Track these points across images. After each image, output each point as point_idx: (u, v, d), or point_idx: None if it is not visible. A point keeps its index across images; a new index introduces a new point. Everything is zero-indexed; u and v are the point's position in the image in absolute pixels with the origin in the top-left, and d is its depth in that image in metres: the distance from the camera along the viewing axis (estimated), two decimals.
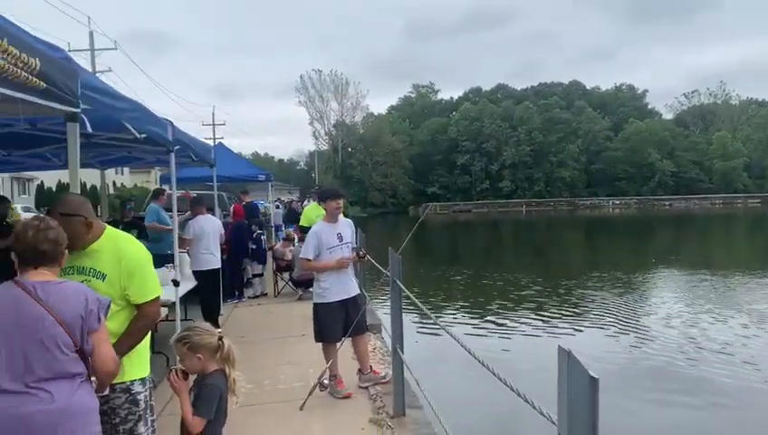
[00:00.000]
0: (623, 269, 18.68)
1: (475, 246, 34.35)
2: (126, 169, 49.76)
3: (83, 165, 4.39)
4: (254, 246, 11.93)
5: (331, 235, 5.74)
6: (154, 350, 6.30)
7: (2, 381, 2.29)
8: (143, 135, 5.33)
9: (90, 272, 2.93)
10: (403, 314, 5.30)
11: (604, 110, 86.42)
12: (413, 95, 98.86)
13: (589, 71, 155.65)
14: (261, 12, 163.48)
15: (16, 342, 2.31)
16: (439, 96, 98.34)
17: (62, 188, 36.43)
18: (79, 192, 3.51)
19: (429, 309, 10.53)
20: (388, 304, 6.17)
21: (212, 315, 8.16)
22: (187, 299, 7.85)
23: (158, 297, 3.08)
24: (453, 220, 60.92)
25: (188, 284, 7.82)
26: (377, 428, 4.90)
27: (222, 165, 11.95)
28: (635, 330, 11.06)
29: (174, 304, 6.59)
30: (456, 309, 13.66)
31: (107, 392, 2.83)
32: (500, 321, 12.19)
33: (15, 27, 2.60)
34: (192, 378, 3.06)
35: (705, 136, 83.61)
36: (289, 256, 11.66)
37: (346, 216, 6.17)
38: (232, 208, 12.84)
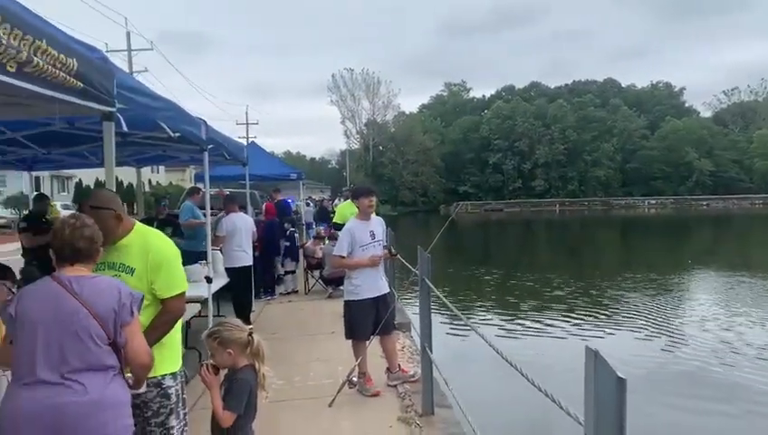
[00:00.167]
0: (658, 270, 18.34)
1: (506, 245, 34.10)
2: (161, 168, 50.73)
3: (120, 163, 4.52)
4: (287, 244, 12.05)
5: (363, 232, 5.77)
6: (187, 345, 6.42)
7: (40, 371, 2.36)
8: (177, 134, 5.42)
9: (119, 267, 3.00)
10: (432, 314, 5.30)
11: (640, 108, 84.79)
12: (445, 93, 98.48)
13: (624, 68, 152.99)
14: (294, 11, 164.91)
15: (53, 334, 2.38)
16: (471, 94, 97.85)
17: (100, 185, 37.18)
18: (114, 190, 3.60)
19: (458, 308, 10.48)
20: (417, 302, 6.16)
21: (244, 312, 8.26)
22: (219, 296, 7.96)
23: (184, 293, 3.11)
24: (484, 219, 60.53)
25: (221, 280, 7.92)
26: (405, 426, 4.90)
27: (255, 163, 12.09)
28: (667, 333, 10.84)
29: (207, 300, 6.69)
30: (486, 309, 13.58)
31: (143, 390, 2.88)
32: (529, 321, 12.08)
33: (54, 28, 2.66)
34: (223, 373, 3.10)
35: (745, 134, 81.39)
36: (319, 254, 11.74)
37: (377, 214, 6.20)
38: (264, 206, 12.97)
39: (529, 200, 75.94)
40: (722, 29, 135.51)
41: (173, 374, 3.08)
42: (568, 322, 11.89)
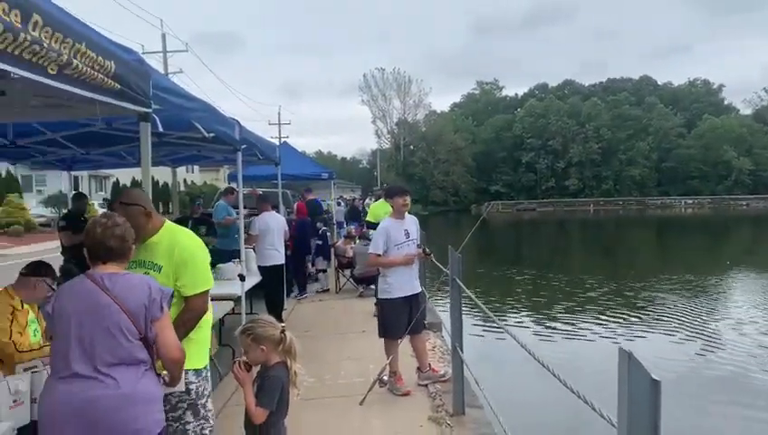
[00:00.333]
0: (695, 271, 17.94)
1: (538, 245, 33.76)
2: (196, 167, 51.47)
3: (155, 163, 4.60)
4: (319, 242, 12.14)
5: (398, 231, 5.79)
6: (221, 342, 6.51)
7: (75, 365, 2.43)
8: (211, 134, 5.49)
9: (148, 265, 3.05)
10: (463, 314, 5.28)
11: (677, 106, 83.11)
12: (477, 92, 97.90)
13: (660, 66, 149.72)
14: (326, 11, 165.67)
15: (86, 329, 2.45)
16: (504, 93, 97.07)
17: (136, 184, 37.91)
18: (150, 189, 3.67)
19: (489, 309, 10.42)
20: (448, 302, 6.15)
21: (276, 310, 8.35)
22: (252, 294, 8.06)
23: (207, 291, 3.13)
24: (516, 219, 60.01)
25: (254, 278, 8.01)
26: (436, 426, 4.89)
27: (287, 163, 12.20)
28: (703, 336, 10.58)
29: (240, 298, 6.78)
30: (517, 310, 13.46)
31: (182, 388, 2.92)
32: (562, 323, 11.94)
33: (93, 31, 2.73)
34: (255, 370, 3.14)
35: None
36: (350, 253, 11.79)
37: (408, 213, 6.21)
38: (295, 206, 13.09)
39: (562, 200, 75.07)
40: (763, 24, 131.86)
41: (196, 371, 3.10)
42: (601, 323, 11.72)
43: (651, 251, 29.41)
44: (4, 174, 34.46)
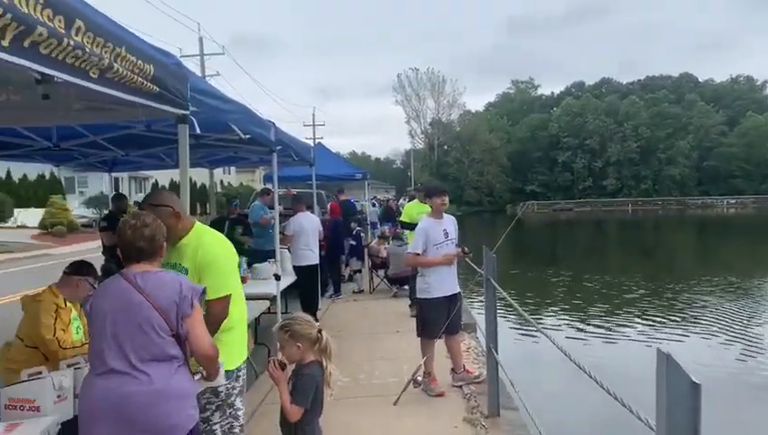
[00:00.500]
0: (737, 273, 17.46)
1: (575, 246, 33.25)
2: (232, 169, 52.14)
3: (193, 164, 4.67)
4: (353, 243, 12.18)
5: (437, 231, 5.79)
6: (256, 341, 6.59)
7: (110, 361, 2.49)
8: (247, 136, 5.56)
9: (177, 267, 3.08)
10: (497, 315, 5.24)
11: (718, 103, 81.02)
12: (512, 91, 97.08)
13: (701, 62, 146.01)
14: (360, 12, 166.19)
15: (120, 326, 2.51)
16: (539, 92, 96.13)
17: (174, 186, 38.69)
18: (189, 190, 3.74)
19: (524, 310, 10.32)
20: (483, 303, 6.10)
21: (310, 310, 8.40)
22: (287, 293, 8.13)
23: (226, 297, 3.09)
24: (553, 219, 59.26)
25: (289, 278, 8.09)
26: (471, 427, 4.87)
27: (321, 164, 12.27)
28: (745, 340, 10.26)
29: (275, 297, 6.86)
30: (553, 312, 13.29)
31: (223, 382, 2.96)
32: (599, 325, 11.75)
33: (132, 36, 2.79)
34: (290, 369, 3.17)
35: None
36: (384, 254, 11.81)
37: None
38: (329, 206, 13.17)
39: (600, 200, 73.89)
40: None
41: (226, 372, 3.11)
42: (638, 326, 11.49)
43: (691, 252, 28.72)
44: (48, 176, 35.49)
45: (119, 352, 2.49)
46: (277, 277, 6.92)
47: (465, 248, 6.07)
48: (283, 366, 3.10)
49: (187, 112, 3.50)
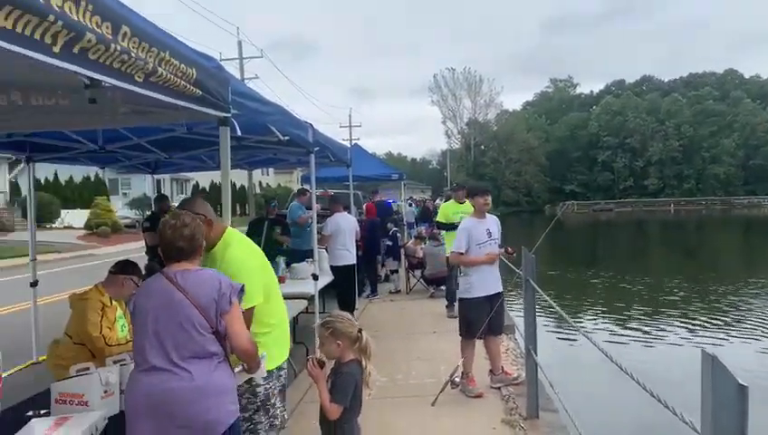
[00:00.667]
0: None
1: (615, 247, 32.62)
2: (270, 170, 52.82)
3: (233, 166, 4.75)
4: (389, 243, 12.19)
5: (480, 231, 5.79)
6: (295, 340, 6.66)
7: (152, 359, 2.55)
8: (286, 137, 5.63)
9: None
10: (536, 316, 5.19)
11: (765, 100, 78.58)
12: (550, 90, 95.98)
13: (747, 58, 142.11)
14: (396, 13, 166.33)
15: (161, 324, 2.57)
16: (578, 90, 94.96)
17: (215, 187, 39.36)
18: (230, 192, 3.81)
19: (565, 311, 10.16)
20: (521, 304, 6.05)
21: (348, 309, 8.43)
22: (324, 293, 8.19)
23: (249, 310, 3.02)
24: (593, 220, 58.27)
25: (326, 278, 8.15)
26: (509, 428, 4.83)
27: (358, 165, 12.31)
28: None
29: (313, 296, 6.92)
30: (593, 314, 13.07)
31: (264, 374, 3.00)
32: (639, 327, 11.50)
33: (175, 41, 2.85)
34: (328, 367, 3.19)
35: None
36: (420, 254, 11.79)
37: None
38: (365, 206, 13.22)
39: (641, 200, 72.50)
40: None
41: (266, 373, 3.16)
42: (681, 328, 11.21)
43: (736, 253, 27.90)
44: (93, 178, 36.46)
45: (160, 350, 2.55)
46: (315, 277, 6.98)
47: (509, 248, 6.03)
48: (322, 364, 3.12)
49: (229, 115, 3.56)
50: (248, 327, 2.97)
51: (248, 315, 3.00)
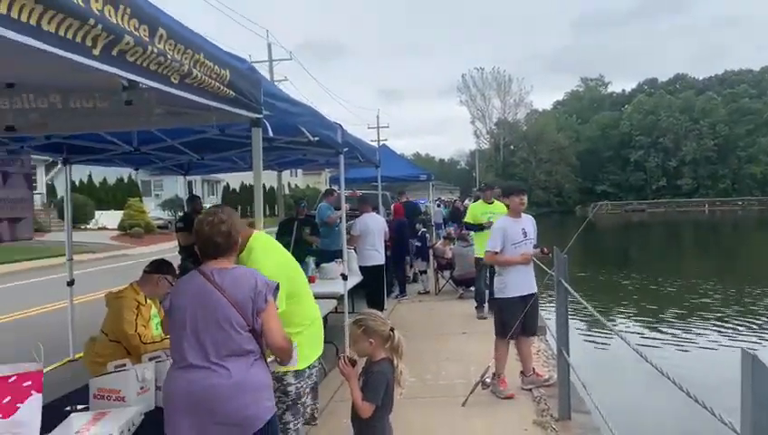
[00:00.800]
0: None
1: (648, 248, 32.09)
2: (299, 171, 53.13)
3: (264, 167, 4.80)
4: (417, 244, 12.17)
5: (516, 230, 5.76)
6: (325, 339, 6.70)
7: (190, 357, 2.59)
8: (316, 138, 5.66)
9: None
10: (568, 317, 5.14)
11: None
12: (581, 89, 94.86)
13: None
14: (424, 13, 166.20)
15: (199, 323, 2.59)
16: (610, 89, 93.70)
17: (244, 188, 39.77)
18: (261, 192, 3.85)
19: (598, 313, 10.04)
20: (551, 305, 5.99)
21: (376, 309, 8.46)
22: (353, 293, 8.22)
23: None
24: (625, 220, 57.38)
25: (355, 278, 8.18)
26: (541, 429, 4.80)
27: (386, 165, 12.33)
28: None
29: (342, 296, 6.96)
30: (625, 315, 12.87)
31: (295, 365, 3.02)
32: (673, 328, 11.30)
33: (209, 43, 2.90)
34: (360, 366, 3.21)
35: None
36: (449, 255, 11.75)
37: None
38: (393, 207, 13.24)
39: (674, 200, 71.18)
40: None
41: (296, 372, 3.20)
42: (717, 330, 10.98)
43: None
44: (126, 180, 37.12)
45: (198, 348, 2.58)
46: (344, 277, 7.02)
47: (545, 248, 5.98)
48: (353, 363, 3.14)
49: (261, 116, 3.60)
50: None
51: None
